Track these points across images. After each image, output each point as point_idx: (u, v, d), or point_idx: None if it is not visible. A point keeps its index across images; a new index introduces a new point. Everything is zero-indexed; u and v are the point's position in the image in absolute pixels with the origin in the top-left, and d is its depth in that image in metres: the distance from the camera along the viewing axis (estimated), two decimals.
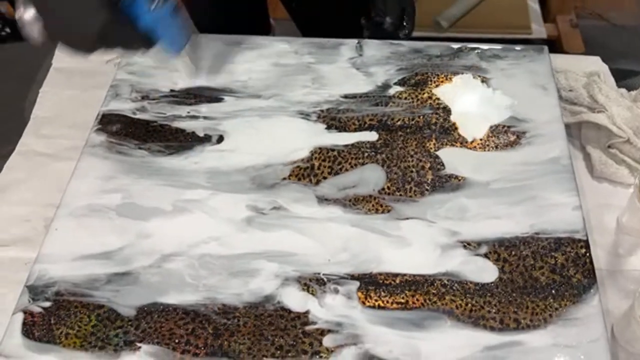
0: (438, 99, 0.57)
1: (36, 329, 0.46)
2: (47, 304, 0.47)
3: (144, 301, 0.47)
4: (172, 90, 0.61)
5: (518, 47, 0.61)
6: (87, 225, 0.51)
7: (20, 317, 0.47)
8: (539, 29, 1.56)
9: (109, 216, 0.52)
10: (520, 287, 0.46)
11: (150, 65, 0.63)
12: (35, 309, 0.47)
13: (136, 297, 0.47)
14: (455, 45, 0.62)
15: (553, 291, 0.46)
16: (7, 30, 1.85)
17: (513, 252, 0.48)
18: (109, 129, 0.58)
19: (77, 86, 0.81)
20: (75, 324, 0.46)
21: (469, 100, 0.57)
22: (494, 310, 0.45)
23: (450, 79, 0.59)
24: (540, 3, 1.64)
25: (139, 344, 0.45)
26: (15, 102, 1.71)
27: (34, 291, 0.48)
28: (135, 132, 0.58)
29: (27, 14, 0.48)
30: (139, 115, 0.59)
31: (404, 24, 0.64)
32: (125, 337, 0.45)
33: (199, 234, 0.50)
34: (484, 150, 0.54)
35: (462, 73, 0.59)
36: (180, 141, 0.57)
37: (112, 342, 0.45)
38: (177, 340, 0.45)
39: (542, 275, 0.46)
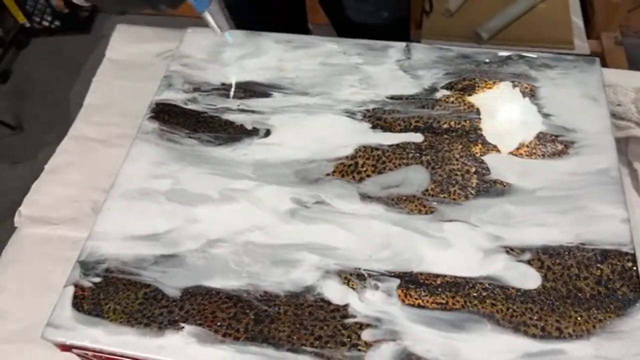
0: (485, 104, 0.57)
1: (86, 302, 0.48)
2: (97, 280, 0.49)
3: (189, 283, 0.48)
4: (222, 84, 0.63)
5: (569, 57, 0.61)
6: (138, 207, 0.53)
7: (71, 290, 0.49)
8: (581, 45, 1.54)
9: (159, 200, 0.54)
10: (564, 296, 0.45)
11: (202, 58, 0.65)
12: (86, 283, 0.49)
13: (181, 279, 0.49)
14: (504, 53, 0.62)
15: (597, 303, 0.45)
16: (57, 23, 1.93)
17: (557, 261, 0.47)
18: (161, 117, 0.60)
19: (127, 77, 0.84)
20: (122, 300, 0.48)
21: (517, 107, 0.57)
22: (535, 318, 0.45)
23: (499, 85, 0.59)
24: (585, 20, 1.61)
25: (182, 324, 0.46)
26: (60, 92, 1.78)
27: (85, 267, 0.50)
28: (186, 122, 0.60)
29: None
30: (190, 106, 0.61)
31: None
32: (169, 317, 0.47)
33: (244, 222, 0.52)
34: (531, 158, 0.53)
35: (511, 80, 0.59)
36: (229, 133, 0.58)
37: (156, 320, 0.47)
38: (219, 323, 0.46)
39: (586, 286, 0.46)
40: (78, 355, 0.50)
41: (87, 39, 1.94)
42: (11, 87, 1.86)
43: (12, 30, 1.92)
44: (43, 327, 0.57)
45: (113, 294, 0.49)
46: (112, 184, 0.55)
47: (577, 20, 1.61)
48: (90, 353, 0.48)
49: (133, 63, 0.85)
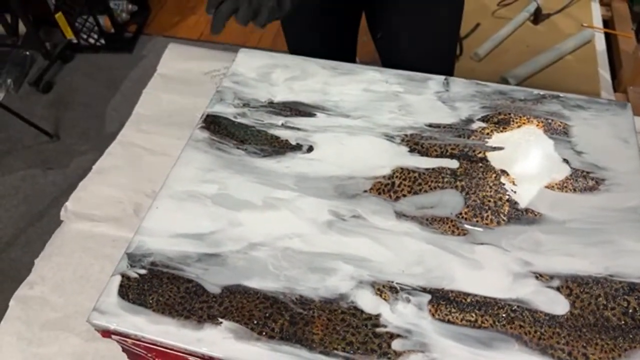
0: (520, 137, 0.60)
1: (131, 291, 0.51)
2: (143, 272, 0.52)
3: (229, 282, 0.51)
4: (270, 102, 0.67)
5: (602, 101, 0.63)
6: (185, 208, 0.57)
7: (118, 279, 0.52)
8: (608, 98, 1.57)
9: (205, 203, 0.57)
10: (591, 324, 0.47)
11: (253, 77, 0.70)
12: (132, 274, 0.52)
13: (222, 277, 0.51)
14: (539, 92, 0.65)
15: (623, 332, 0.46)
16: (102, 41, 2.04)
17: (585, 290, 0.49)
18: (211, 128, 0.64)
19: (175, 91, 0.89)
20: (165, 292, 0.51)
21: (550, 143, 0.60)
22: (563, 342, 0.46)
23: (533, 121, 0.62)
24: (612, 73, 1.64)
25: (220, 320, 0.49)
26: (98, 105, 1.86)
27: (132, 258, 0.53)
28: (235, 134, 0.64)
29: None
30: (240, 120, 0.65)
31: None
32: (209, 312, 0.49)
33: (284, 229, 0.54)
34: (562, 191, 0.56)
35: (545, 118, 0.62)
36: (274, 147, 0.62)
37: (196, 314, 0.49)
38: (255, 322, 0.48)
39: (613, 316, 0.47)
40: (118, 342, 0.52)
41: (128, 58, 2.04)
42: (53, 97, 1.95)
43: (60, 45, 2.03)
44: (81, 317, 0.60)
45: (157, 286, 0.51)
46: (162, 185, 0.59)
47: (605, 74, 1.65)
48: (129, 341, 0.51)
49: (182, 79, 0.90)
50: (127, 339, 0.50)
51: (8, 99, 1.91)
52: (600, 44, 1.68)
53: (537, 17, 1.70)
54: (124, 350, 0.54)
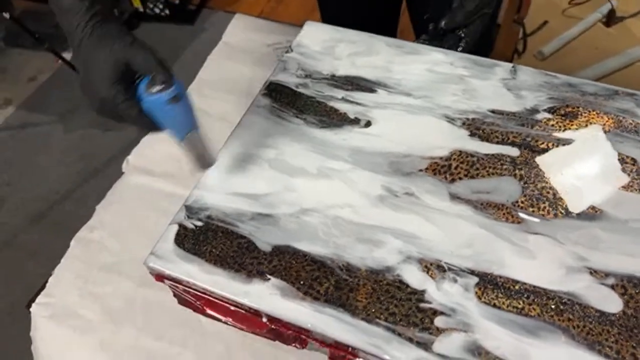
0: (587, 132, 0.58)
1: (186, 241, 0.53)
2: (199, 224, 0.54)
3: (279, 242, 0.52)
4: (332, 75, 0.67)
5: None
6: (243, 168, 0.59)
7: (175, 228, 0.54)
8: None
9: (262, 166, 0.59)
10: None
11: (317, 50, 0.71)
12: (189, 225, 0.54)
13: (273, 237, 0.53)
14: (612, 87, 0.62)
15: None
16: (167, 12, 2.10)
17: None
18: (273, 96, 0.66)
19: (239, 60, 0.91)
20: (219, 245, 0.53)
21: (619, 140, 0.57)
22: (612, 340, 0.45)
23: (602, 116, 0.59)
24: None
25: (268, 276, 0.50)
26: None
27: (190, 210, 0.56)
28: (295, 103, 0.65)
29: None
30: (301, 90, 0.66)
31: (460, 43, 0.67)
32: (258, 267, 0.51)
33: (336, 198, 0.55)
34: (627, 190, 0.54)
35: (615, 114, 0.60)
36: (333, 119, 0.63)
37: (246, 268, 0.51)
38: (302, 282, 0.50)
39: None
40: (170, 287, 0.55)
41: (190, 29, 2.10)
42: None
43: (127, 13, 2.11)
44: (134, 263, 0.64)
45: (211, 238, 0.53)
46: (224, 145, 0.61)
47: None
48: (180, 287, 0.53)
49: (245, 49, 0.92)
50: (179, 285, 0.53)
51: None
52: None
53: (610, 19, 1.62)
54: (174, 295, 0.56)
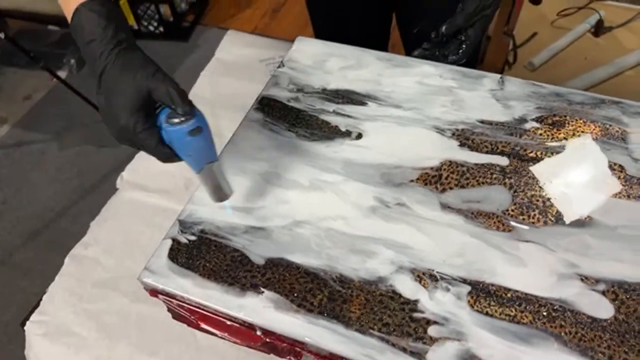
0: (574, 140, 0.59)
1: (180, 255, 0.54)
2: (193, 238, 0.55)
3: (273, 254, 0.53)
4: (324, 89, 0.68)
5: None
6: (236, 182, 0.59)
7: (169, 242, 0.55)
8: None
9: (255, 179, 0.59)
10: (635, 330, 0.46)
11: (308, 65, 0.72)
12: (182, 239, 0.55)
13: (267, 250, 0.53)
14: (599, 96, 0.63)
15: None
16: (161, 29, 2.12)
17: (632, 297, 0.48)
18: (265, 110, 0.66)
19: (231, 75, 0.92)
20: (212, 259, 0.53)
21: (606, 147, 0.58)
22: (604, 346, 0.45)
23: (589, 125, 0.60)
24: None
25: (262, 289, 0.50)
26: None
27: (184, 225, 0.56)
28: (287, 117, 0.65)
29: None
30: (293, 104, 0.67)
31: (460, 47, 0.67)
32: (252, 281, 0.51)
33: (329, 210, 0.56)
34: (615, 197, 0.54)
35: (602, 122, 0.61)
36: (324, 131, 0.63)
37: (240, 281, 0.51)
38: (295, 294, 0.50)
39: None
40: (164, 301, 0.55)
41: (184, 46, 2.11)
42: None
43: None
44: (129, 279, 0.64)
45: (205, 252, 0.54)
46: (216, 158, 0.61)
47: None
48: (174, 302, 0.53)
49: (238, 64, 0.93)
50: (173, 300, 0.53)
51: (70, 77, 2.02)
52: None
53: (599, 29, 1.65)
54: (169, 310, 0.56)
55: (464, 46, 0.68)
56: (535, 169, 0.57)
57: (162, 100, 0.47)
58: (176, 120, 0.47)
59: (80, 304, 0.66)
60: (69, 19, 0.49)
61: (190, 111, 0.47)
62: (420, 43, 0.74)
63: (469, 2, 0.66)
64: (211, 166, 0.51)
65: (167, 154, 0.49)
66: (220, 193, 0.54)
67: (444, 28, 0.67)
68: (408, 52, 0.92)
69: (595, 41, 1.64)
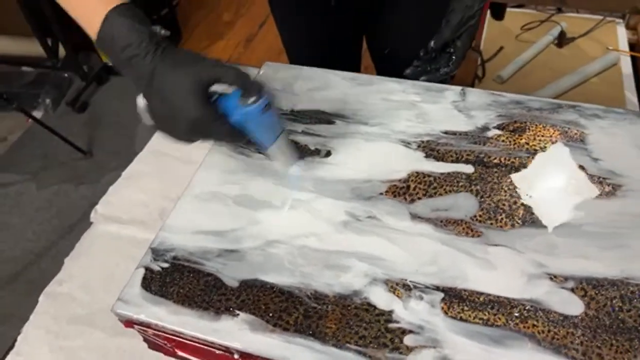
0: (535, 144, 0.61)
1: (153, 283, 0.53)
2: (165, 265, 0.55)
3: (246, 276, 0.53)
4: (292, 110, 0.70)
5: (619, 110, 0.64)
6: (208, 207, 0.59)
7: (141, 272, 0.54)
8: None
9: (227, 203, 0.60)
10: (606, 325, 0.46)
11: (276, 88, 0.73)
12: (155, 267, 0.55)
13: (240, 272, 0.53)
14: (556, 101, 0.66)
15: (639, 334, 0.46)
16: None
17: (601, 292, 0.49)
18: None
19: None
20: (186, 285, 0.53)
21: (566, 149, 0.60)
22: (577, 342, 0.46)
23: (549, 129, 0.62)
24: (639, 96, 1.63)
25: (237, 312, 0.50)
26: (130, 125, 1.94)
27: (156, 253, 0.56)
28: None
29: (140, 100, 0.51)
30: None
31: (450, 59, 0.69)
32: (226, 304, 0.51)
33: (302, 228, 0.56)
34: (577, 196, 0.56)
35: (561, 126, 0.63)
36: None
37: (214, 305, 0.51)
38: (271, 314, 0.50)
39: (629, 318, 0.47)
40: (139, 332, 0.54)
41: None
42: (88, 117, 2.05)
43: (96, 67, 2.14)
44: (105, 314, 0.63)
45: (178, 279, 0.53)
46: (187, 186, 0.62)
47: (631, 96, 1.63)
48: (150, 331, 0.53)
49: None
50: (148, 329, 0.52)
51: (46, 117, 2.02)
52: (626, 67, 1.67)
53: (562, 40, 1.71)
54: (145, 340, 0.56)
55: (453, 57, 0.70)
56: (514, 178, 0.58)
57: (234, 85, 0.49)
58: (251, 100, 0.49)
59: (57, 341, 0.65)
60: (94, 31, 0.47)
61: (262, 89, 0.50)
62: (392, 63, 0.76)
63: (454, 15, 0.68)
64: (282, 136, 0.56)
65: (241, 136, 0.52)
66: (291, 158, 0.59)
67: (432, 43, 0.69)
68: (379, 73, 0.94)
69: (559, 52, 1.70)
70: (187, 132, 0.50)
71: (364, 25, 0.93)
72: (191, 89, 0.47)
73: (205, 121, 0.48)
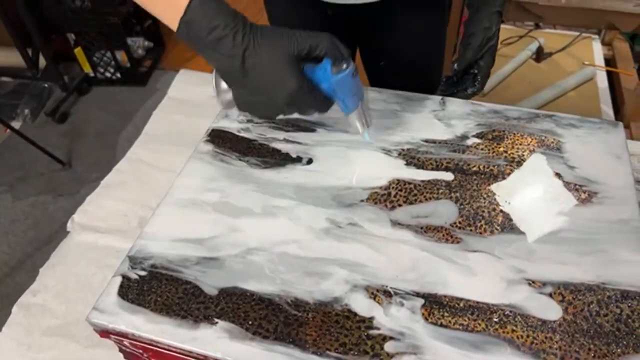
0: (513, 152, 0.62)
1: (130, 292, 0.52)
2: (143, 273, 0.54)
3: (226, 284, 0.52)
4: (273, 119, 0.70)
5: (594, 120, 0.65)
6: (187, 214, 0.59)
7: (118, 280, 0.53)
8: None
9: (206, 210, 0.59)
10: (584, 330, 0.47)
11: None
12: (132, 275, 0.53)
13: (219, 280, 0.52)
14: (533, 111, 0.67)
15: (616, 339, 0.46)
16: (118, 75, 2.12)
17: (578, 297, 0.49)
18: (215, 141, 0.67)
19: (183, 112, 0.93)
20: (164, 293, 0.52)
21: (542, 157, 0.61)
22: (555, 347, 0.46)
23: (526, 137, 0.63)
24: (614, 109, 1.67)
25: (216, 320, 0.49)
26: (110, 136, 1.92)
27: (134, 261, 0.55)
28: (237, 147, 0.66)
29: (218, 82, 0.52)
30: (243, 134, 0.68)
31: (476, 79, 0.71)
32: (205, 312, 0.50)
33: (282, 235, 0.56)
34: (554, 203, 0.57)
35: (538, 134, 0.64)
36: (275, 159, 0.64)
37: (193, 314, 0.50)
38: (250, 322, 0.49)
39: (606, 323, 0.47)
40: (115, 342, 0.53)
41: (142, 91, 2.11)
42: (68, 127, 2.01)
43: (77, 78, 2.11)
44: (81, 324, 0.61)
45: (156, 287, 0.52)
46: (166, 193, 0.61)
47: (607, 109, 1.67)
48: (127, 341, 0.51)
49: (190, 102, 0.94)
50: (125, 339, 0.51)
51: (25, 127, 1.98)
52: (602, 81, 1.71)
53: (539, 55, 1.75)
54: (120, 351, 0.54)
55: (478, 77, 0.72)
56: (495, 189, 0.59)
57: (328, 53, 0.49)
58: (343, 66, 0.50)
59: (29, 353, 0.63)
60: (175, 18, 0.47)
61: (349, 55, 0.50)
62: (385, 76, 0.77)
63: (474, 38, 0.70)
64: (364, 100, 0.57)
65: (330, 103, 0.53)
66: (367, 123, 0.58)
67: (455, 65, 0.71)
68: (372, 83, 0.95)
69: (537, 66, 1.74)
70: (284, 105, 0.50)
71: (359, 36, 0.94)
72: (290, 61, 0.48)
73: (305, 92, 0.49)
